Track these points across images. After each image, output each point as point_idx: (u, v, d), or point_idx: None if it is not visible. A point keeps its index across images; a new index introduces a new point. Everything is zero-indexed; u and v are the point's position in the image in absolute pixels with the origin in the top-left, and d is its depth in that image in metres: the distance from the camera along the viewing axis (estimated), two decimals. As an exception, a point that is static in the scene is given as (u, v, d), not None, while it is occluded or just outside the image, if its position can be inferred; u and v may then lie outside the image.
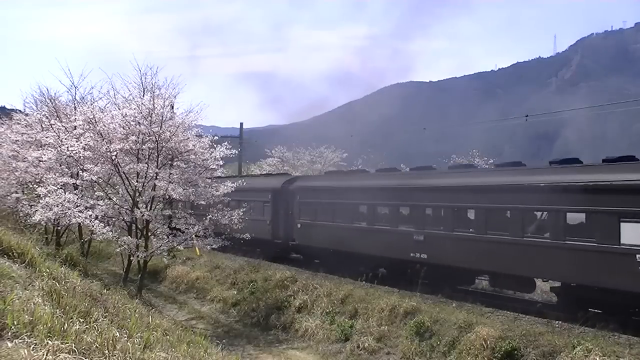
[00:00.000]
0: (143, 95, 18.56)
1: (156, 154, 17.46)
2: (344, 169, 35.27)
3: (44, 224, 20.61)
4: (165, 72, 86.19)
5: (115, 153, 16.79)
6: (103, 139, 17.30)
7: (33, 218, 17.78)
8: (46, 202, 16.88)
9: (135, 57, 46.46)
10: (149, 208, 17.25)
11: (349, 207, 21.37)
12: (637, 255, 12.54)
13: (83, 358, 4.99)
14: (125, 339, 6.13)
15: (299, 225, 23.97)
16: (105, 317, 7.41)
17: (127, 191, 17.61)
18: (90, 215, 16.64)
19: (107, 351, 5.34)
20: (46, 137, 20.27)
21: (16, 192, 22.34)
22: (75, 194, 17.91)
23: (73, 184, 19.19)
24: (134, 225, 17.96)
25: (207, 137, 19.04)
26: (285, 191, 25.21)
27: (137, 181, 17.25)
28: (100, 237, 17.22)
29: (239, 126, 44.56)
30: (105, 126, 17.47)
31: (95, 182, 18.21)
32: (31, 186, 20.73)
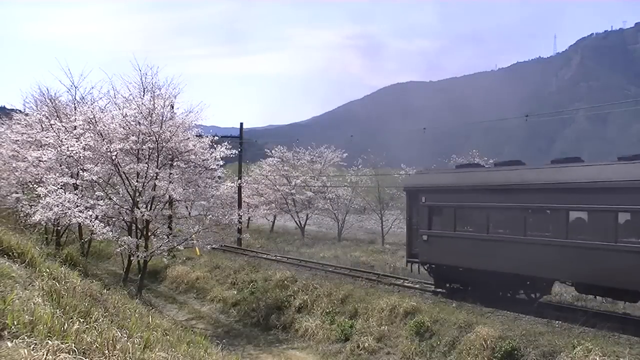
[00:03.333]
0: (143, 95, 18.56)
1: (156, 154, 17.48)
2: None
3: (44, 224, 20.58)
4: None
5: (115, 153, 16.80)
6: (103, 139, 17.31)
7: (33, 218, 17.75)
8: (46, 202, 16.86)
9: (136, 56, 46.31)
10: (149, 208, 17.26)
11: None
12: None
13: (83, 358, 4.97)
14: (125, 339, 6.11)
15: None
16: (105, 317, 7.39)
17: (127, 191, 17.61)
18: (90, 215, 16.63)
19: (107, 351, 5.33)
20: (46, 137, 20.28)
21: (16, 192, 22.29)
22: (75, 194, 17.89)
23: (73, 184, 19.18)
24: (134, 225, 17.98)
25: (207, 137, 19.06)
26: None
27: (137, 181, 17.26)
28: (100, 237, 17.21)
29: (239, 126, 44.56)
30: (105, 126, 17.49)
31: (95, 182, 18.21)
32: (31, 186, 20.69)
